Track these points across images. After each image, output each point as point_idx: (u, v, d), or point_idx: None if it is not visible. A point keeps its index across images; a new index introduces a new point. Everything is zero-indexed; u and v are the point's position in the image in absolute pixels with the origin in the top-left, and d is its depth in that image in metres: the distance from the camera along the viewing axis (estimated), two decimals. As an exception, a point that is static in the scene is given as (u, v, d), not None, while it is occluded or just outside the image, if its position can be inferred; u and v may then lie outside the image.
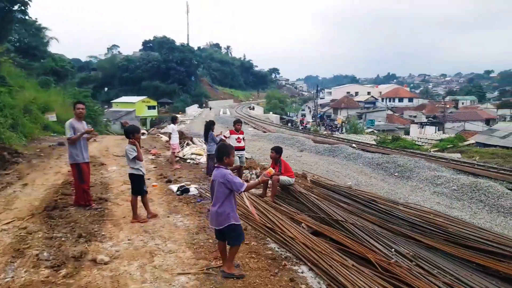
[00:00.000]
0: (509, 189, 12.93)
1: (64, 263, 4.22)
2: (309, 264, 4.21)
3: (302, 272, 4.14)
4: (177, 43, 76.92)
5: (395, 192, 13.50)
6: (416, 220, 4.96)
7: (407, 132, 49.70)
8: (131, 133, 5.77)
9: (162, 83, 69.25)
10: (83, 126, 6.57)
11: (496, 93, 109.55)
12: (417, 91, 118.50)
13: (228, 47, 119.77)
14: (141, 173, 5.84)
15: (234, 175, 8.69)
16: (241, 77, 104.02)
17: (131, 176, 5.82)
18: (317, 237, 5.02)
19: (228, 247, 4.02)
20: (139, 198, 5.96)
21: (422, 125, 53.47)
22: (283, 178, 7.11)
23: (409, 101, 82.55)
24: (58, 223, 5.71)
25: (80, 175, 6.42)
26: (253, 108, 62.03)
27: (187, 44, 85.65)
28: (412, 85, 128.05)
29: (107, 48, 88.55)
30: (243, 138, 8.54)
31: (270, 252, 4.74)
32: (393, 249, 4.33)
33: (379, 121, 61.26)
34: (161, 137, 23.14)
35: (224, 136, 9.90)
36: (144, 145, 17.87)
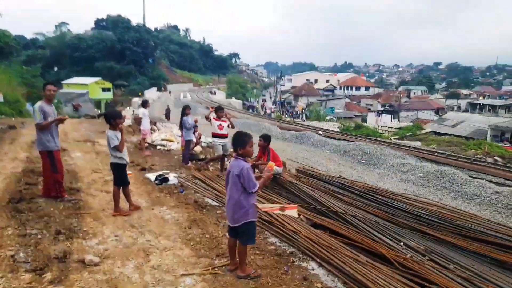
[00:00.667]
0: (471, 176, 13.63)
1: (47, 265, 3.70)
2: (318, 260, 3.99)
3: (312, 269, 3.93)
4: (133, 23, 73.41)
5: (364, 179, 13.70)
6: (421, 212, 4.91)
7: (364, 120, 51.27)
8: (112, 118, 5.20)
9: (117, 64, 65.89)
10: (53, 109, 5.88)
11: (444, 84, 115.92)
12: (372, 80, 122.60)
13: (186, 30, 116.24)
14: (124, 162, 5.32)
15: (213, 163, 8.34)
16: (200, 60, 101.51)
17: (114, 165, 5.28)
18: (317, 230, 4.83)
19: (238, 244, 3.70)
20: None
21: (378, 113, 55.35)
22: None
23: (365, 89, 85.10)
24: (29, 217, 5.07)
25: (53, 163, 5.76)
26: (215, 93, 60.96)
27: (143, 24, 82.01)
28: (367, 74, 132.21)
29: (55, 25, 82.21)
30: (229, 125, 8.11)
31: (273, 247, 4.48)
32: (401, 243, 4.23)
33: (338, 109, 62.68)
34: (123, 121, 21.99)
35: (196, 120, 9.46)
36: (103, 130, 16.84)
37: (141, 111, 10.90)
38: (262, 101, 78.73)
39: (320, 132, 22.96)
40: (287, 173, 7.29)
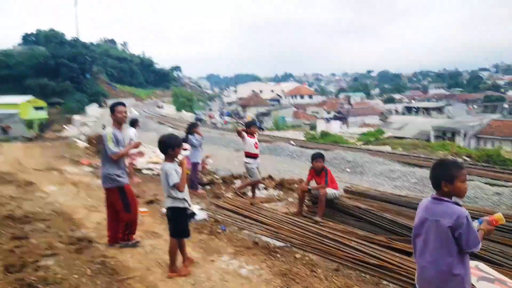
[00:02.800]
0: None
1: None
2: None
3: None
4: (67, 38, 68.44)
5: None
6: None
7: (313, 127, 52.26)
8: (170, 146, 3.85)
9: (52, 81, 60.68)
10: (123, 136, 4.84)
11: (377, 90, 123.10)
12: (312, 88, 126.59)
13: (125, 43, 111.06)
14: (186, 205, 3.96)
15: (247, 189, 7.06)
16: (141, 74, 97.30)
17: (173, 210, 3.90)
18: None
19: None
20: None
21: (328, 120, 56.67)
22: (330, 191, 5.81)
23: (309, 98, 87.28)
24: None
25: (126, 202, 4.61)
26: (162, 107, 58.21)
27: (77, 38, 76.89)
28: (307, 83, 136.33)
29: (-26, 40, 73.94)
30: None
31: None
32: None
33: (287, 118, 63.28)
34: (77, 142, 19.57)
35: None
36: (65, 154, 14.60)
37: (131, 132, 9.26)
38: (209, 114, 77.56)
39: (292, 142, 22.31)
40: (345, 196, 6.27)
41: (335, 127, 48.93)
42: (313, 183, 6.10)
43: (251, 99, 70.85)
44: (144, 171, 10.52)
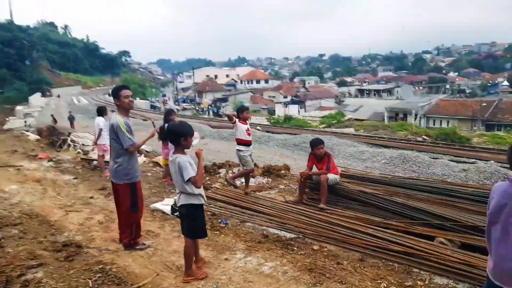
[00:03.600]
0: (429, 157, 14.21)
1: None
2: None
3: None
4: (1, 21, 62.57)
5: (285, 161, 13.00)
6: None
7: (271, 112, 52.43)
8: (181, 135, 3.38)
9: (-15, 69, 55.49)
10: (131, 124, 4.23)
11: (330, 74, 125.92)
12: (266, 73, 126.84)
13: (66, 27, 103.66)
14: (203, 201, 3.53)
15: (241, 179, 6.68)
16: (86, 60, 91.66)
17: (188, 208, 3.45)
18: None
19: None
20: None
21: (285, 104, 56.98)
22: (331, 176, 5.59)
23: (265, 82, 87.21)
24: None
25: (134, 200, 4.11)
26: (113, 95, 55.03)
27: (11, 21, 70.59)
28: (261, 67, 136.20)
29: None
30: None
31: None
32: None
33: (245, 103, 62.85)
34: (28, 135, 17.94)
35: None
36: (17, 149, 13.26)
37: (101, 122, 8.45)
38: (163, 100, 75.21)
39: (258, 128, 22.07)
40: (345, 181, 6.08)
41: (293, 111, 49.37)
42: (314, 170, 5.85)
43: (206, 85, 69.40)
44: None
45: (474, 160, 13.87)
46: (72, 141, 15.67)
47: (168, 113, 7.65)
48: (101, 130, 8.34)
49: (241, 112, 6.43)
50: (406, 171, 13.23)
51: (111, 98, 4.66)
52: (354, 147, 16.50)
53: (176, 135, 3.39)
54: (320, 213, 5.07)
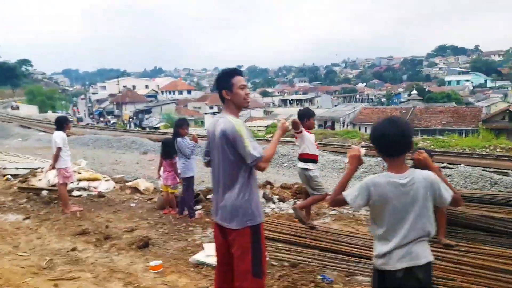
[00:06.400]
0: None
1: None
2: None
3: None
4: None
5: (280, 179, 11.74)
6: None
7: (197, 123, 50.53)
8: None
9: None
10: None
11: (250, 84, 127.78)
12: (186, 83, 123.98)
13: None
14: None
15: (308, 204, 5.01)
16: (-23, 70, 79.42)
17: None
18: None
19: None
20: None
21: (214, 114, 55.40)
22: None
23: (188, 93, 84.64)
24: None
25: (259, 254, 2.09)
26: (18, 108, 47.86)
27: None
28: (181, 78, 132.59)
29: None
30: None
31: None
32: None
33: (173, 114, 59.90)
34: None
35: (196, 139, 5.73)
36: None
37: (57, 138, 6.08)
38: (74, 109, 69.23)
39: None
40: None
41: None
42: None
43: (126, 95, 64.60)
44: (75, 193, 7.31)
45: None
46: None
47: (178, 125, 5.69)
48: (59, 149, 5.99)
49: (307, 118, 4.81)
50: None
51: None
52: (322, 156, 15.69)
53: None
54: (449, 252, 3.76)
